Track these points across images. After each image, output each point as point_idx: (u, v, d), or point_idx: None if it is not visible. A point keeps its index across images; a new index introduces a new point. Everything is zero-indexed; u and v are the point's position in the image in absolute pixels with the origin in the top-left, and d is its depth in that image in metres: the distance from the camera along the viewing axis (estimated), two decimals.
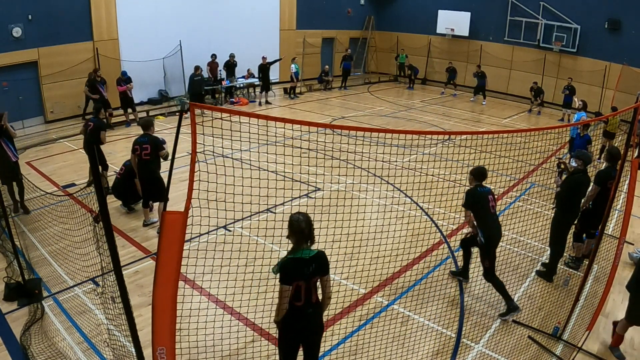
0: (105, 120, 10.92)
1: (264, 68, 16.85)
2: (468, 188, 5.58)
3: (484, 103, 18.89)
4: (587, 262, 6.72)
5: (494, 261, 5.53)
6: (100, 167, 9.57)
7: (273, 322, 3.69)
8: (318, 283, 3.54)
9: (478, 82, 18.86)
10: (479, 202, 5.36)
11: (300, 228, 3.39)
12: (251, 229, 7.29)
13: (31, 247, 6.68)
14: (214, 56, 16.57)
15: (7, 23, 12.25)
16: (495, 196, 5.56)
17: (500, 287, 5.55)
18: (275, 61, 17.46)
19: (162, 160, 7.20)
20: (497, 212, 5.67)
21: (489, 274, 5.57)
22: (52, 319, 5.18)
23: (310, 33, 21.56)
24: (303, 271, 3.39)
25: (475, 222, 5.51)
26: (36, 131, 12.87)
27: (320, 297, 3.61)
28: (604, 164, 6.57)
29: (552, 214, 6.44)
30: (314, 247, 3.55)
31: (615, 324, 5.03)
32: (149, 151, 6.95)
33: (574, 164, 6.25)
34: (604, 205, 6.38)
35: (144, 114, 14.44)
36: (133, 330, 3.21)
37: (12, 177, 7.48)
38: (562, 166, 7.12)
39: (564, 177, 6.51)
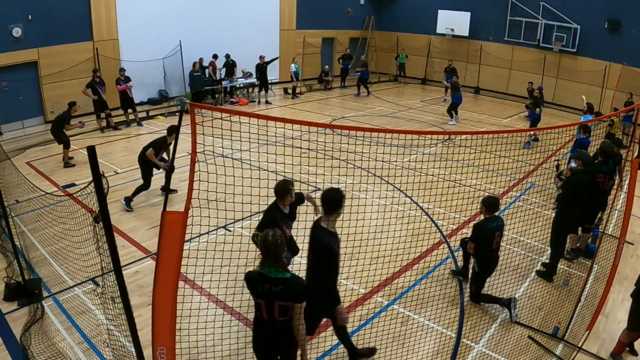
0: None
1: (262, 68, 16.85)
2: (478, 220, 5.58)
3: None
4: (588, 263, 6.74)
5: (481, 289, 5.63)
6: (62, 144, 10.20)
7: None
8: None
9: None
10: (485, 239, 5.35)
11: (265, 245, 3.20)
12: (251, 229, 7.26)
13: (31, 247, 6.68)
14: (215, 56, 16.59)
15: (7, 23, 12.24)
16: (504, 230, 5.52)
17: (489, 300, 5.62)
18: (272, 60, 17.38)
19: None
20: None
21: (474, 298, 5.71)
22: (52, 319, 5.18)
23: (310, 33, 21.55)
24: (258, 288, 3.21)
25: (473, 251, 5.55)
26: (36, 131, 12.87)
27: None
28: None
29: (553, 215, 6.45)
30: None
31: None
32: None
33: (573, 164, 6.25)
34: (596, 199, 6.44)
35: (143, 114, 14.47)
36: (133, 330, 3.21)
37: None
38: (560, 168, 7.13)
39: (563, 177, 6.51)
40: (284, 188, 4.92)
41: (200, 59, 15.75)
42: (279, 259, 3.24)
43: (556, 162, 7.06)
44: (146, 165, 8.11)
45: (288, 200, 4.99)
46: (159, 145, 8.09)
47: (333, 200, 3.81)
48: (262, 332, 3.42)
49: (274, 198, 5.08)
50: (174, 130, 8.16)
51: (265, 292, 3.20)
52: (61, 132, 10.18)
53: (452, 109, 15.13)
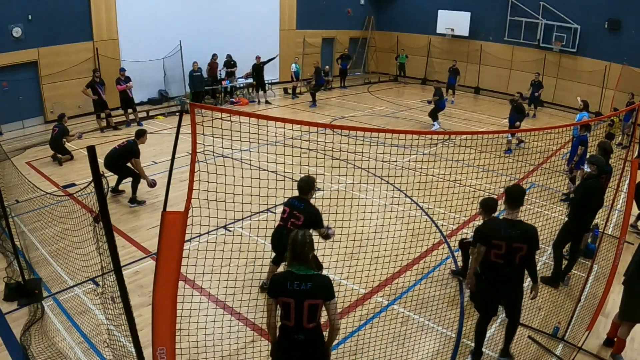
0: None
1: (258, 68, 16.88)
2: (479, 224, 5.57)
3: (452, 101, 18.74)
4: (588, 263, 6.74)
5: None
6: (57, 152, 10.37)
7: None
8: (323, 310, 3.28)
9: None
10: None
11: (293, 245, 3.21)
12: (251, 229, 7.29)
13: (31, 247, 6.68)
14: (214, 56, 16.59)
15: (7, 23, 12.25)
16: None
17: None
18: (269, 60, 17.27)
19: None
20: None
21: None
22: (52, 319, 5.18)
23: (310, 33, 21.55)
24: (287, 285, 3.16)
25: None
26: (36, 131, 12.87)
27: (320, 325, 3.35)
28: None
29: (564, 219, 6.42)
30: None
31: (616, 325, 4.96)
32: (301, 223, 5.14)
33: (587, 169, 6.22)
34: (597, 200, 6.44)
35: (144, 114, 14.47)
36: (133, 330, 3.21)
37: None
38: (574, 172, 7.13)
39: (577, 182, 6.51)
40: (312, 184, 5.32)
41: (194, 63, 15.60)
42: (307, 259, 3.24)
43: (569, 167, 7.05)
44: (121, 169, 8.26)
45: (311, 195, 5.33)
46: (138, 151, 8.19)
47: (522, 195, 4.37)
48: (288, 344, 3.30)
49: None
50: (143, 134, 8.37)
51: (295, 290, 3.16)
52: (63, 146, 10.46)
53: (435, 113, 14.54)
